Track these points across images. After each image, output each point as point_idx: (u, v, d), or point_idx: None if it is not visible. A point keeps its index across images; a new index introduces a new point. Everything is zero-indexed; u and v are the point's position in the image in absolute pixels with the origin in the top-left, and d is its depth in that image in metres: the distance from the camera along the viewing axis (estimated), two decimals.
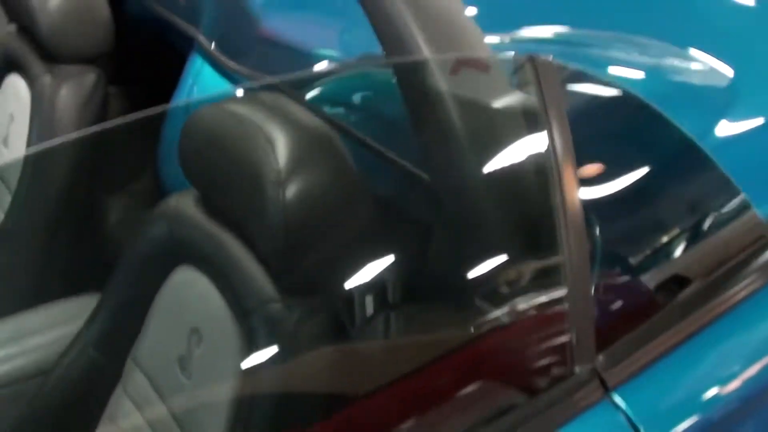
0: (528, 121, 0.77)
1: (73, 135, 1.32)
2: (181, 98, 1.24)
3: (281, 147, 0.80)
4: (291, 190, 0.79)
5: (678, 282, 0.89)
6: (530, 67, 0.75)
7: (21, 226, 1.37)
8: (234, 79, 1.16)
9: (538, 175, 0.78)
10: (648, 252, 0.89)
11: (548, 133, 0.75)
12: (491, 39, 1.13)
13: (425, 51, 0.77)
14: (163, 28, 1.36)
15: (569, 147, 0.76)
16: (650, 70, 1.09)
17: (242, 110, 0.86)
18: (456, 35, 0.80)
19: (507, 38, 1.14)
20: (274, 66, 1.16)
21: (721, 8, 1.24)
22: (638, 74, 1.07)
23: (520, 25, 1.17)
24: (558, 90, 0.75)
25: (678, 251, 0.90)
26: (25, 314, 1.21)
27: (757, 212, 0.91)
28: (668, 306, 0.87)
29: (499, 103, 0.78)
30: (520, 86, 0.76)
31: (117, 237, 1.48)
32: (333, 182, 0.81)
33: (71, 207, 1.38)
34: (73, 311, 1.16)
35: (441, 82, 0.76)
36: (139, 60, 1.54)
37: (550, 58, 0.75)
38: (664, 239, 0.90)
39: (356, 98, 1.05)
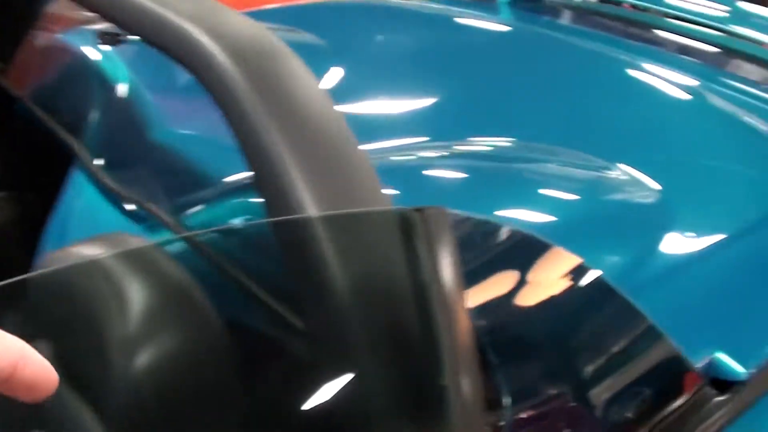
0: (419, 275, 0.67)
1: None
2: (60, 213, 1.12)
3: (132, 308, 0.69)
4: (140, 360, 0.68)
5: None
6: (420, 218, 0.65)
7: None
8: (117, 202, 1.05)
9: (427, 332, 0.68)
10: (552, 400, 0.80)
11: (439, 285, 0.66)
12: (428, 153, 1.10)
13: (309, 206, 0.68)
14: (50, 134, 1.24)
15: (461, 299, 0.68)
16: (585, 189, 1.05)
17: (93, 260, 0.74)
18: (348, 186, 0.71)
19: (445, 152, 1.10)
20: (167, 192, 1.05)
21: (645, 122, 1.21)
22: (573, 196, 1.04)
23: (458, 135, 1.14)
24: (449, 240, 0.66)
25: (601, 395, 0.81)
26: None
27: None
28: None
29: (389, 260, 0.68)
30: (410, 239, 0.66)
31: None
32: (191, 349, 0.70)
33: None
34: None
35: (326, 244, 0.66)
36: (30, 165, 1.42)
37: (442, 208, 0.65)
38: (571, 383, 0.81)
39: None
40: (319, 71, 1.34)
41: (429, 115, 1.26)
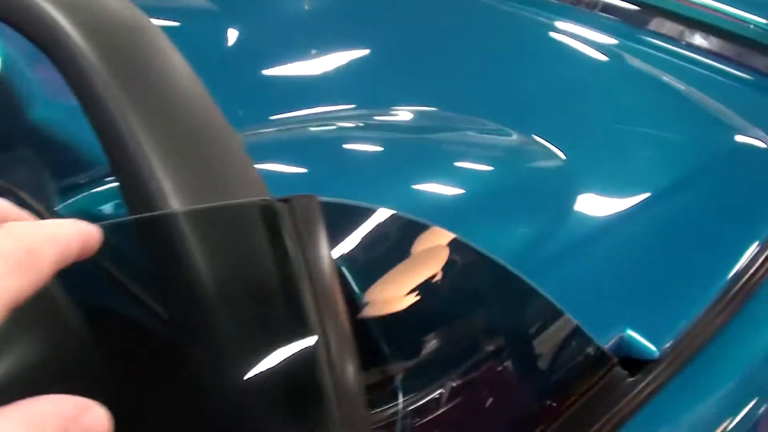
0: (286, 266, 0.62)
1: None
2: None
3: None
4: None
5: None
6: (287, 209, 0.59)
7: None
8: None
9: (297, 324, 0.63)
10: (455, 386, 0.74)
11: (309, 276, 0.61)
12: (346, 123, 1.07)
13: (169, 195, 0.61)
14: None
15: (334, 289, 0.62)
16: (499, 161, 1.02)
17: None
18: (212, 173, 0.64)
19: (360, 123, 1.07)
20: (42, 178, 0.97)
21: (558, 86, 1.18)
22: (487, 167, 1.00)
23: (375, 104, 1.12)
24: (320, 230, 0.61)
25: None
26: None
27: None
28: None
29: (253, 253, 0.62)
30: (276, 230, 0.61)
31: None
32: (54, 349, 0.63)
33: None
34: None
35: (186, 238, 0.61)
36: None
37: (313, 196, 0.60)
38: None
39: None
40: (221, 37, 1.28)
41: (340, 81, 1.20)
